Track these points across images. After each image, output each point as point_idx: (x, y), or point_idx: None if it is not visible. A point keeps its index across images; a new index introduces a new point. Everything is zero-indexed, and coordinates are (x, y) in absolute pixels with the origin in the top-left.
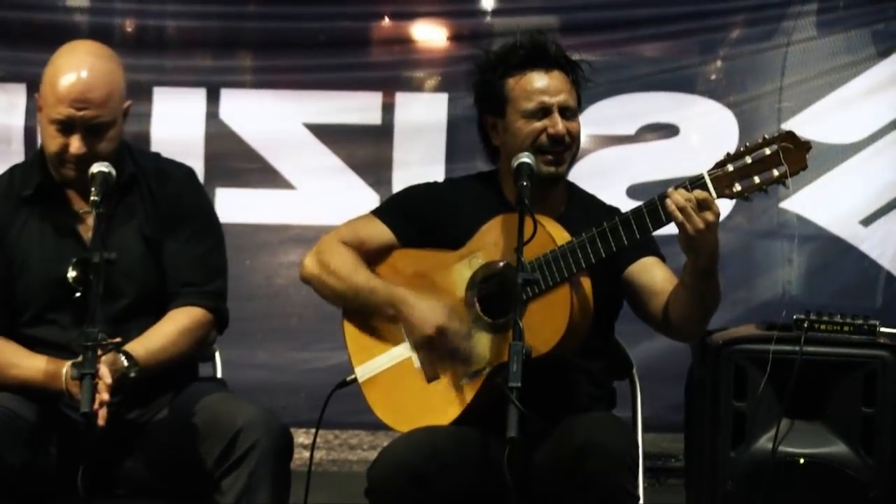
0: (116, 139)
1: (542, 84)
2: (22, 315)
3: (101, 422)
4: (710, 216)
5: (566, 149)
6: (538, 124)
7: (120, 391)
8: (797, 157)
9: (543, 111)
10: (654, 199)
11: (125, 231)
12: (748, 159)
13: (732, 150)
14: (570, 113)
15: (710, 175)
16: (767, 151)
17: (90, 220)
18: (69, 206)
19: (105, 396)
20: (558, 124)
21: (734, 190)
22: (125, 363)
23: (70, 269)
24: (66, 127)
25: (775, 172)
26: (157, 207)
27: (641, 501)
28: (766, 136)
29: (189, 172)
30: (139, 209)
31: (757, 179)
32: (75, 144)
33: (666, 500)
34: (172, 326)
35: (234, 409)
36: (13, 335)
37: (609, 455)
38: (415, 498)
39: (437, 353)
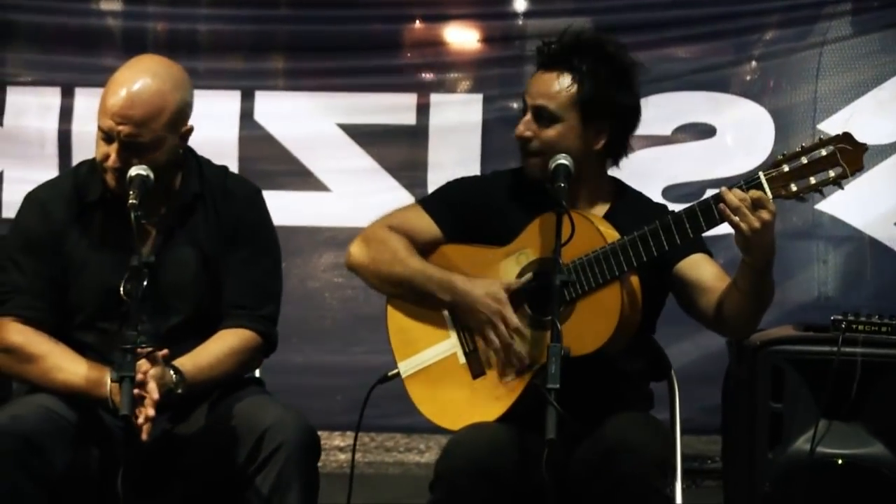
0: (162, 160)
1: (532, 82)
2: (73, 319)
3: (144, 436)
4: (766, 215)
5: (529, 154)
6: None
7: (165, 407)
8: (854, 158)
9: (524, 110)
10: (708, 199)
11: (184, 249)
12: (804, 160)
13: (786, 152)
14: (543, 116)
15: (765, 175)
16: (824, 152)
17: (151, 234)
18: (130, 220)
19: (151, 412)
20: (519, 125)
21: (790, 190)
22: (173, 378)
23: (124, 281)
24: (108, 138)
25: (831, 173)
26: (220, 226)
27: (680, 503)
28: (823, 137)
29: (255, 192)
30: (201, 228)
31: (813, 180)
32: (112, 157)
33: (702, 501)
34: (222, 346)
35: (261, 411)
36: (63, 337)
37: (642, 455)
38: (480, 492)
39: (491, 342)
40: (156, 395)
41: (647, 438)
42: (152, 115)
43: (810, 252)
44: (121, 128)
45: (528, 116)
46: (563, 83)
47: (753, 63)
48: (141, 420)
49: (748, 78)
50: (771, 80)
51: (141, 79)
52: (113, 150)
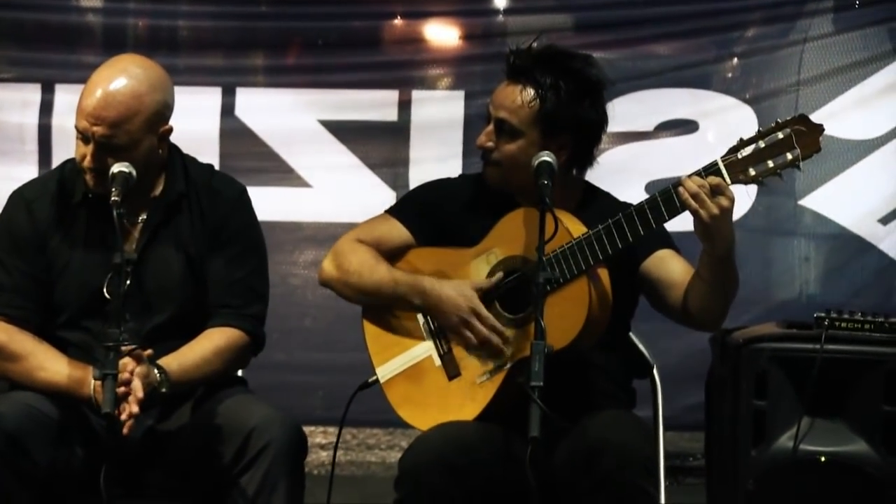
0: (140, 161)
1: (497, 93)
2: (58, 317)
3: (125, 430)
4: (724, 202)
5: (489, 163)
6: None
7: (150, 405)
8: (810, 141)
9: (488, 120)
10: (668, 188)
11: (168, 249)
12: (761, 143)
13: (743, 137)
14: (504, 130)
15: (723, 161)
16: (780, 135)
17: (134, 234)
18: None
19: (135, 409)
20: (481, 135)
21: (748, 175)
22: (158, 377)
23: (107, 281)
24: (85, 138)
25: (789, 156)
26: (205, 225)
27: (663, 500)
28: (779, 120)
29: (241, 191)
30: (185, 227)
31: (771, 164)
32: (87, 157)
33: (685, 499)
34: (208, 345)
35: (248, 410)
36: (48, 336)
37: (624, 453)
38: (446, 489)
39: (467, 340)
40: (140, 394)
41: (628, 436)
42: (127, 117)
43: (793, 249)
44: (95, 129)
45: (490, 127)
46: (525, 97)
47: (735, 60)
48: (124, 416)
49: (730, 75)
50: (753, 77)
51: (116, 79)
52: (89, 150)
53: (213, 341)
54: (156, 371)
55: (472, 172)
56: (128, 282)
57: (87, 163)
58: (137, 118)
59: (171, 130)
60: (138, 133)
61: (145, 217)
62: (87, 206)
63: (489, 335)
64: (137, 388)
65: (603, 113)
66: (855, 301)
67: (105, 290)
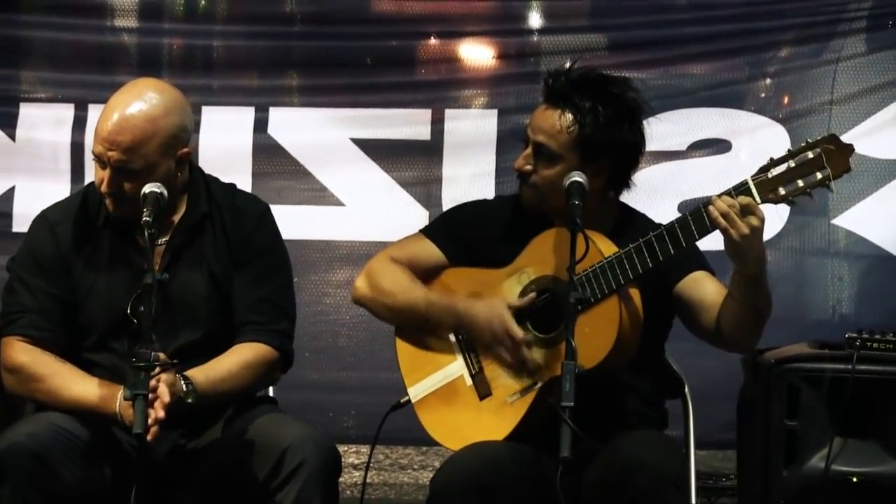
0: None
1: (535, 116)
2: (84, 340)
3: (149, 437)
4: (754, 221)
5: (525, 185)
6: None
7: (175, 415)
8: (840, 160)
9: (526, 143)
10: (698, 207)
11: (192, 269)
12: (791, 163)
13: (773, 157)
14: (543, 154)
15: (753, 180)
16: (810, 155)
17: (156, 256)
18: (138, 242)
19: (160, 414)
20: (519, 158)
21: (778, 194)
22: (184, 388)
23: (132, 301)
24: (101, 163)
25: (819, 175)
26: (229, 245)
27: None
28: (809, 140)
29: (264, 210)
30: (209, 247)
31: (801, 183)
32: (105, 182)
33: None
34: (236, 359)
35: (282, 429)
36: (74, 358)
37: (656, 474)
38: None
39: (502, 359)
40: (167, 398)
41: (661, 456)
42: (141, 142)
43: (826, 268)
44: (110, 154)
45: (529, 151)
46: (564, 122)
47: (768, 80)
48: (150, 421)
49: (763, 94)
50: (786, 97)
51: (131, 104)
52: (106, 175)
53: (241, 355)
54: (182, 382)
55: (507, 194)
56: (153, 302)
57: (104, 188)
58: (152, 142)
59: (189, 153)
60: (154, 157)
61: (167, 239)
62: (110, 228)
63: (522, 355)
64: (164, 392)
65: (641, 136)
66: (889, 322)
67: (129, 311)
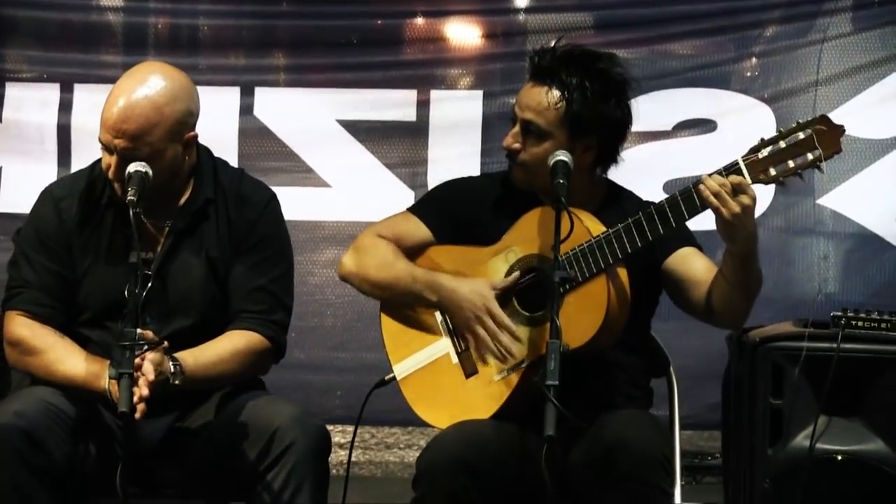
0: (165, 169)
1: (522, 94)
2: (80, 316)
3: (138, 415)
4: (745, 200)
5: (515, 164)
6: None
7: (160, 394)
8: (831, 141)
9: (514, 120)
10: (688, 187)
11: (191, 255)
12: (782, 144)
13: (765, 137)
14: (531, 131)
15: (744, 160)
16: (801, 135)
17: (160, 239)
18: (143, 222)
19: (144, 391)
20: (507, 136)
21: (769, 175)
22: (171, 368)
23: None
24: (108, 150)
25: (809, 156)
26: (231, 231)
27: (679, 499)
28: (800, 121)
29: (269, 198)
30: (210, 233)
31: (791, 164)
32: (112, 168)
33: (703, 498)
34: (227, 345)
35: (271, 410)
36: (70, 332)
37: (641, 453)
38: (463, 489)
39: (479, 337)
40: (151, 377)
41: (646, 436)
42: (147, 129)
43: (811, 248)
44: (117, 141)
45: (517, 129)
46: (551, 99)
47: (754, 59)
48: (135, 399)
49: (748, 74)
50: (771, 77)
51: (136, 91)
52: (113, 161)
53: (232, 342)
54: (170, 362)
55: (494, 171)
56: (148, 284)
57: (111, 174)
58: (158, 129)
59: (196, 137)
60: (160, 143)
61: (171, 222)
62: (114, 209)
63: (501, 334)
64: (149, 370)
65: (628, 112)
66: (873, 300)
67: (125, 291)
